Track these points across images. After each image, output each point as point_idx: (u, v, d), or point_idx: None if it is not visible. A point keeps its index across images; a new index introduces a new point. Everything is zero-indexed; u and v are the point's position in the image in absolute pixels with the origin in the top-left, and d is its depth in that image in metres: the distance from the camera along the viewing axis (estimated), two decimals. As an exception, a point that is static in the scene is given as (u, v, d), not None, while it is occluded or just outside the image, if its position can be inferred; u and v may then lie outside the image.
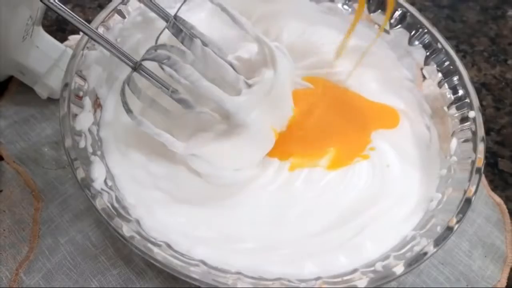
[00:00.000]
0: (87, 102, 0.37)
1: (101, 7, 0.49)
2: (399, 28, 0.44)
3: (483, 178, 0.43)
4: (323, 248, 0.35)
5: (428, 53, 0.43)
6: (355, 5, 0.45)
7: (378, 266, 0.32)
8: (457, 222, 0.32)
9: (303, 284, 0.31)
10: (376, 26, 0.45)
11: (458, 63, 0.41)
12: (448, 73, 0.41)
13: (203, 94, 0.34)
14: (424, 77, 0.43)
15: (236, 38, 0.39)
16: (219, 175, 0.37)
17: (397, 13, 0.44)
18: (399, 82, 0.44)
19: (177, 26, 0.36)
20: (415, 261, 0.31)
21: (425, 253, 0.31)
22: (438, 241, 0.31)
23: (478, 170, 0.35)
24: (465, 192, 0.34)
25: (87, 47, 0.37)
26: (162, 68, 0.34)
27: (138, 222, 0.33)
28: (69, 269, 0.36)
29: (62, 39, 0.46)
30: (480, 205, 0.41)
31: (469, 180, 0.34)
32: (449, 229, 0.32)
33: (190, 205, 0.36)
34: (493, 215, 0.41)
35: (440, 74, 0.41)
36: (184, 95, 0.34)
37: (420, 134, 0.42)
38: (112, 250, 0.36)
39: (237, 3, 0.39)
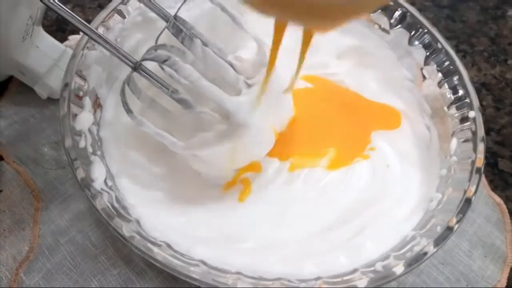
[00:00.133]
0: (87, 102, 0.37)
1: (101, 7, 0.49)
2: (399, 28, 0.44)
3: (483, 178, 0.43)
4: (323, 248, 0.35)
5: (428, 53, 0.43)
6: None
7: (378, 266, 0.32)
8: (457, 222, 0.32)
9: (303, 284, 0.31)
10: (376, 26, 0.45)
11: (458, 63, 0.41)
12: (448, 73, 0.41)
13: (203, 94, 0.34)
14: (424, 77, 0.43)
15: (236, 38, 0.39)
16: (219, 175, 0.37)
17: (397, 13, 0.44)
18: (399, 82, 0.44)
19: (177, 26, 0.36)
20: (415, 261, 0.31)
21: (425, 253, 0.31)
22: (438, 241, 0.31)
23: (478, 170, 0.35)
24: (465, 192, 0.34)
25: (87, 47, 0.37)
26: (162, 68, 0.34)
27: (138, 222, 0.33)
28: (69, 269, 0.36)
29: (62, 39, 0.46)
30: (480, 205, 0.41)
31: (469, 180, 0.34)
32: (449, 229, 0.32)
33: (190, 205, 0.36)
34: (493, 215, 0.41)
35: (440, 74, 0.41)
36: (184, 95, 0.34)
37: (420, 134, 0.42)
38: (112, 250, 0.36)
39: (237, 3, 0.38)
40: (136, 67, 0.33)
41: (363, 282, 0.30)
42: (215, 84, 0.34)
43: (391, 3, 0.44)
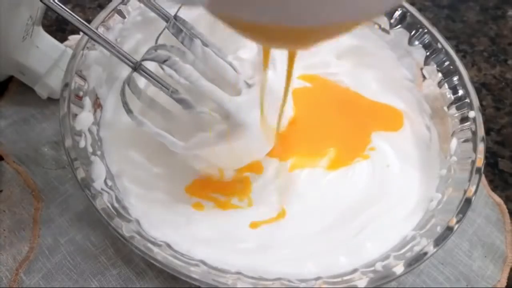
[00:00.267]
0: (87, 102, 0.37)
1: (101, 7, 0.49)
2: (399, 28, 0.44)
3: (483, 178, 0.43)
4: (323, 248, 0.35)
5: (428, 53, 0.42)
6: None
7: (378, 266, 0.32)
8: (457, 222, 0.32)
9: (303, 284, 0.31)
10: (376, 26, 0.45)
11: (458, 63, 0.41)
12: (448, 73, 0.41)
13: (203, 94, 0.34)
14: (424, 77, 0.43)
15: (236, 38, 0.39)
16: (219, 175, 0.37)
17: (397, 13, 0.44)
18: (399, 82, 0.44)
19: (177, 26, 0.36)
20: (415, 261, 0.31)
21: (425, 253, 0.31)
22: (438, 241, 0.31)
23: (478, 170, 0.35)
24: (465, 192, 0.34)
25: (87, 47, 0.37)
26: (162, 68, 0.34)
27: (138, 222, 0.33)
28: (69, 269, 0.36)
29: (62, 39, 0.46)
30: (480, 205, 0.41)
31: (469, 180, 0.34)
32: (449, 229, 0.32)
33: (190, 205, 0.36)
34: (493, 215, 0.41)
35: (440, 74, 0.41)
36: (184, 95, 0.34)
37: (420, 134, 0.42)
38: (112, 250, 0.36)
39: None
40: (136, 67, 0.33)
41: (363, 282, 0.30)
42: (215, 84, 0.34)
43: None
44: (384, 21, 0.45)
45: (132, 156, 0.38)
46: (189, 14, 0.39)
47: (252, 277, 0.31)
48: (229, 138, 0.34)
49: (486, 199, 0.42)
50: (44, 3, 0.31)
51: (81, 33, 0.34)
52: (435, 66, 0.42)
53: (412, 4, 0.44)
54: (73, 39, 0.48)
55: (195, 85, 0.34)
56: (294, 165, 0.39)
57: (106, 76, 0.40)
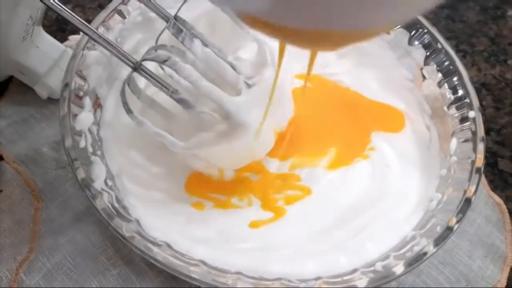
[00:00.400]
0: (87, 102, 0.37)
1: (101, 7, 0.49)
2: (399, 28, 0.44)
3: (483, 178, 0.43)
4: (323, 248, 0.35)
5: (428, 53, 0.43)
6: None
7: (378, 266, 0.32)
8: (457, 222, 0.32)
9: (303, 284, 0.31)
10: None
11: (458, 63, 0.41)
12: (448, 73, 0.41)
13: (203, 94, 0.34)
14: (424, 77, 0.43)
15: (236, 38, 0.39)
16: (219, 175, 0.37)
17: (397, 13, 0.44)
18: (399, 82, 0.44)
19: (177, 26, 0.36)
20: (415, 261, 0.31)
21: (425, 253, 0.31)
22: (438, 241, 0.31)
23: (478, 170, 0.35)
24: (465, 192, 0.34)
25: (87, 47, 0.37)
26: (162, 68, 0.34)
27: (138, 222, 0.33)
28: (69, 269, 0.36)
29: (62, 39, 0.46)
30: (480, 205, 0.41)
31: (469, 180, 0.34)
32: (449, 229, 0.32)
33: (190, 205, 0.36)
34: (493, 215, 0.41)
35: (440, 74, 0.41)
36: (184, 95, 0.34)
37: (420, 134, 0.42)
38: (112, 250, 0.36)
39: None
40: (136, 67, 0.33)
41: (363, 282, 0.30)
42: (215, 84, 0.34)
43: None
44: (384, 21, 0.44)
45: (132, 156, 0.38)
46: (189, 14, 0.39)
47: (252, 277, 0.31)
48: (229, 138, 0.34)
49: (486, 199, 0.42)
50: (44, 3, 0.31)
51: (81, 33, 0.34)
52: (435, 66, 0.42)
53: (412, 4, 0.44)
54: (73, 39, 0.48)
55: (195, 85, 0.34)
56: (294, 165, 0.39)
57: (106, 76, 0.40)
